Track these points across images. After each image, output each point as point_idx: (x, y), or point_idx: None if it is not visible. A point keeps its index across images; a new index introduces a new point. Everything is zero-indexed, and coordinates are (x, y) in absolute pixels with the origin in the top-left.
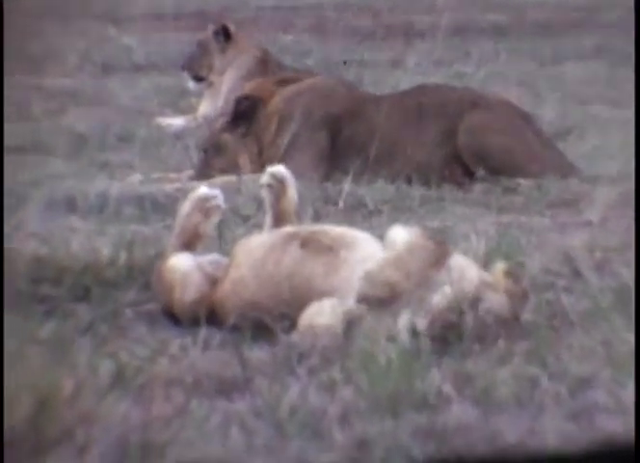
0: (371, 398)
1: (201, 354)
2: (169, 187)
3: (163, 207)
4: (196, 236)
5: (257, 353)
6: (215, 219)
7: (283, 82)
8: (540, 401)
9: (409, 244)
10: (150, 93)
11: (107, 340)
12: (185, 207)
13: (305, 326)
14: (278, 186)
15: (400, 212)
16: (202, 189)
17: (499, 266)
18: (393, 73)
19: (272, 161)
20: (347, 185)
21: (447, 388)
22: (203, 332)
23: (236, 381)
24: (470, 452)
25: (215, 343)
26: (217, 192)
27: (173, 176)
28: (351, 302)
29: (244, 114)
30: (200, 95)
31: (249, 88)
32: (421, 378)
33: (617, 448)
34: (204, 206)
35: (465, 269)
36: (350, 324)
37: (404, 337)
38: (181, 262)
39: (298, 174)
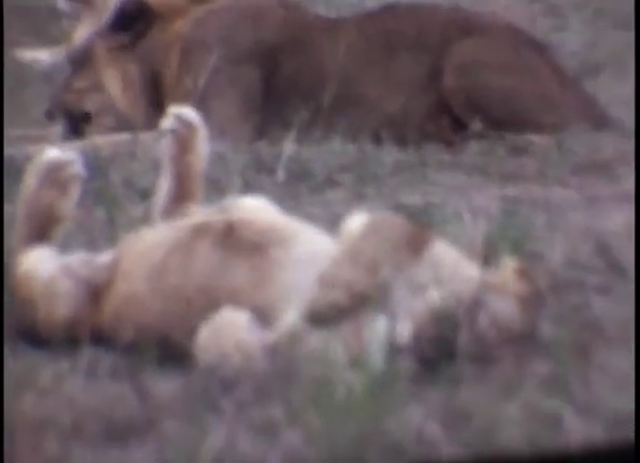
0: (325, 445)
1: (84, 385)
2: (34, 149)
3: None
4: (51, 221)
5: (164, 383)
6: (74, 193)
7: None
8: (563, 446)
9: (367, 227)
10: (6, 15)
11: (2, 371)
12: (30, 182)
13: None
14: (183, 134)
15: (364, 184)
16: (51, 153)
17: (506, 260)
18: None
19: None
20: (289, 146)
21: (432, 429)
22: (86, 355)
23: (134, 422)
24: None
25: (103, 370)
26: (71, 155)
27: (39, 132)
28: (292, 317)
29: (128, 21)
30: (75, 17)
31: (152, 2)
32: (396, 416)
33: None
34: (57, 177)
35: (457, 264)
36: (294, 343)
37: (376, 356)
38: (40, 265)
39: (217, 129)
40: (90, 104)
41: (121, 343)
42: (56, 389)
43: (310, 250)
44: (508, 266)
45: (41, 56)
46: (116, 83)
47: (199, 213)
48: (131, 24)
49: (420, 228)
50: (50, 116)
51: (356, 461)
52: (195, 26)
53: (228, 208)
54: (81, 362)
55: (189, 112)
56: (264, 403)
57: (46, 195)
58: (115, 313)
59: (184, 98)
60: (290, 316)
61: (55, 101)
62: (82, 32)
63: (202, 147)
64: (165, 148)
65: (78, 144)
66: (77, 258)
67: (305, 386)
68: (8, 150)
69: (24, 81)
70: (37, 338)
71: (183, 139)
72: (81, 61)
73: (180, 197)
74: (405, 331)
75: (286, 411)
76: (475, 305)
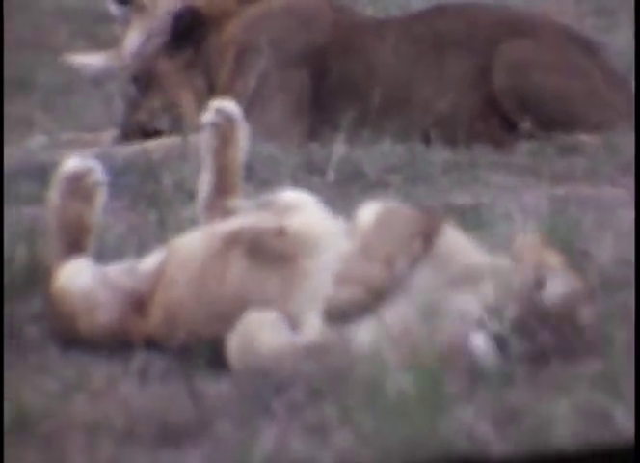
0: (377, 446)
1: (137, 388)
2: (84, 153)
3: None
4: (81, 231)
5: (216, 385)
6: (99, 201)
7: None
8: (613, 442)
9: (378, 220)
10: (56, 18)
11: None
12: (53, 195)
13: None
14: (225, 128)
15: (414, 184)
16: (70, 163)
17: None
18: None
19: None
20: (339, 147)
21: (484, 428)
22: (138, 358)
23: (188, 425)
24: None
25: (156, 374)
26: (90, 163)
27: (89, 136)
28: (315, 319)
29: (186, 33)
30: (126, 21)
31: (199, 2)
32: (446, 416)
33: None
34: (79, 188)
35: (469, 251)
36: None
37: (484, 350)
38: (77, 277)
39: (268, 131)
40: (162, 123)
41: (173, 346)
42: (109, 391)
43: (336, 254)
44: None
45: (91, 60)
46: (190, 102)
47: (241, 208)
48: (189, 35)
49: (430, 216)
50: (125, 137)
51: (407, 461)
52: (248, 29)
53: (271, 203)
54: (133, 365)
55: (230, 105)
56: (316, 405)
57: (72, 207)
58: (163, 319)
59: (235, 100)
60: (314, 319)
61: (128, 123)
62: (132, 36)
63: (243, 140)
64: (206, 142)
65: (130, 148)
66: (116, 268)
67: (356, 386)
68: (58, 154)
69: (73, 86)
70: (83, 344)
71: (224, 132)
72: (147, 80)
73: (222, 191)
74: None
75: (338, 412)
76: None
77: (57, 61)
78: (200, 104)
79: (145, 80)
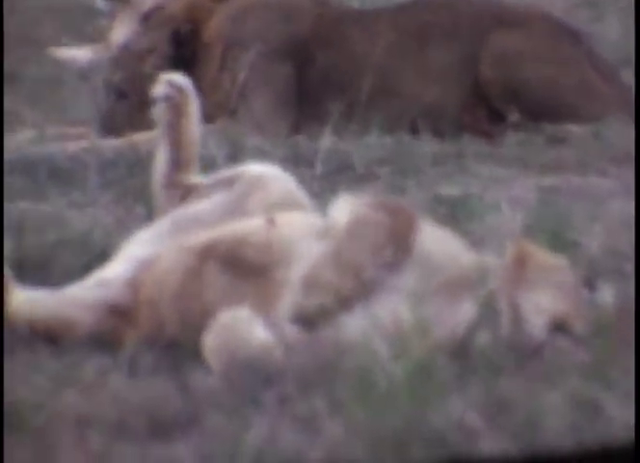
0: (367, 436)
1: (127, 381)
2: (72, 147)
3: (65, 175)
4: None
5: (206, 378)
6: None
7: None
8: (603, 432)
9: (349, 227)
10: (43, 13)
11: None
12: None
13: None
14: (177, 100)
15: (403, 176)
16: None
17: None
18: None
19: (215, 111)
20: (327, 139)
21: (473, 418)
22: (128, 350)
23: (178, 417)
24: None
25: (145, 367)
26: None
27: (77, 130)
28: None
29: (183, 48)
30: (112, 15)
31: (177, 7)
32: (437, 406)
33: None
34: None
35: (451, 250)
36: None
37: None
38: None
39: (255, 124)
40: (140, 120)
41: (162, 340)
42: (99, 385)
43: (310, 262)
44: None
45: (78, 55)
46: None
47: (202, 185)
48: (188, 51)
49: (404, 218)
50: (103, 132)
51: (399, 451)
52: (232, 24)
53: (235, 178)
54: (123, 358)
55: (180, 78)
56: (306, 396)
57: None
58: (149, 330)
59: (223, 96)
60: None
61: (104, 128)
62: (118, 30)
63: (196, 113)
64: (159, 116)
65: (118, 142)
66: (79, 286)
67: (346, 377)
68: (47, 149)
69: (61, 80)
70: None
71: (177, 105)
72: (126, 79)
73: (179, 166)
74: None
75: (328, 403)
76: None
77: (44, 55)
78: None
79: (124, 79)
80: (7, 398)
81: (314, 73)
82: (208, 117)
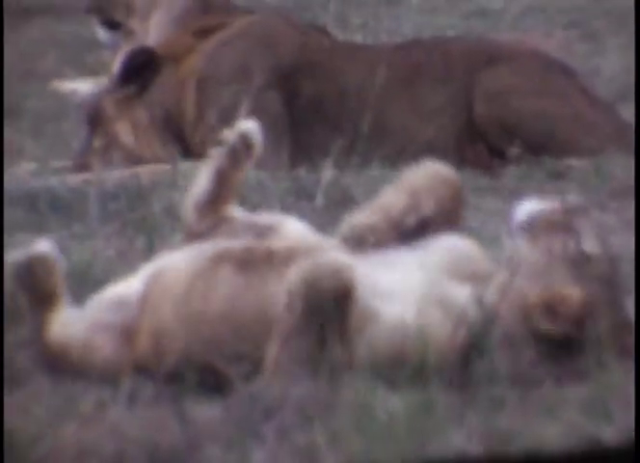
0: None
1: (126, 413)
2: (73, 179)
3: (66, 207)
4: (50, 300)
5: (206, 410)
6: (61, 275)
7: (207, 32)
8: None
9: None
10: (44, 46)
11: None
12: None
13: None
14: (239, 152)
15: None
16: (18, 256)
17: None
18: (390, 12)
19: (203, 146)
20: (327, 172)
21: (474, 450)
22: (127, 383)
23: (176, 449)
24: None
25: (145, 398)
26: (48, 247)
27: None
28: None
29: (135, 72)
30: (114, 48)
31: (159, 41)
32: (437, 439)
33: None
34: (37, 274)
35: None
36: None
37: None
38: (70, 329)
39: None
40: (114, 159)
41: (161, 372)
42: (98, 416)
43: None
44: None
45: (80, 87)
46: (128, 134)
47: (235, 218)
48: (138, 74)
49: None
50: (78, 169)
51: None
52: (209, 60)
53: (271, 229)
54: (122, 390)
55: (254, 128)
56: (305, 428)
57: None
58: (150, 345)
59: (208, 131)
60: None
61: (81, 166)
62: None
63: (252, 162)
64: (216, 156)
65: (120, 174)
66: (101, 305)
67: (344, 409)
68: (48, 181)
69: (63, 113)
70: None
71: (237, 156)
72: (94, 119)
73: (218, 198)
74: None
75: (327, 435)
76: None
77: (46, 88)
78: (149, 138)
79: (92, 120)
80: (7, 429)
81: (303, 103)
82: (194, 152)
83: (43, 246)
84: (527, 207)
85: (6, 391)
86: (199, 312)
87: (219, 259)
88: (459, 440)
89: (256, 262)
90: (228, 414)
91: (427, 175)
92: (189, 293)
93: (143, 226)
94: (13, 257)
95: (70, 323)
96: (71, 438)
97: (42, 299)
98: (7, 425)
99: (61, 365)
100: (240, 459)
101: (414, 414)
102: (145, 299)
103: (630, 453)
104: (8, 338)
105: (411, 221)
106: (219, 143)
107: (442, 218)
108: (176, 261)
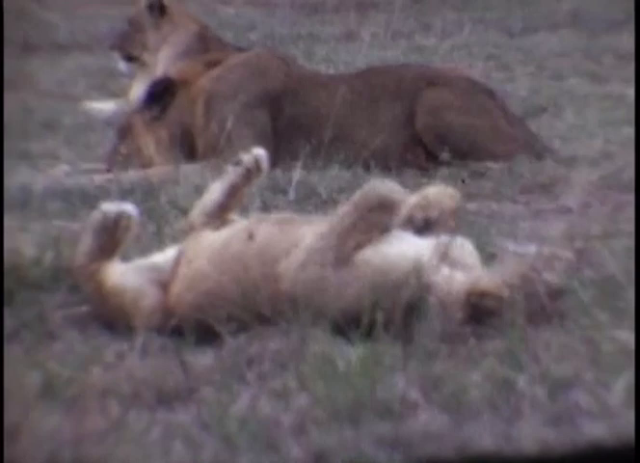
0: (329, 406)
1: (139, 361)
2: (99, 179)
3: (93, 201)
4: (114, 248)
5: (201, 359)
6: (133, 232)
7: (214, 63)
8: (516, 405)
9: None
10: (76, 75)
11: (34, 348)
12: (93, 224)
13: None
14: (252, 172)
15: None
16: (109, 208)
17: None
18: (348, 48)
19: (206, 151)
20: (297, 172)
21: (413, 393)
22: (141, 337)
23: (179, 390)
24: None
25: (154, 349)
26: (129, 208)
27: (103, 166)
28: None
29: (158, 97)
30: (132, 76)
31: (175, 70)
32: (384, 383)
33: (601, 453)
34: (117, 226)
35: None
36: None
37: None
38: (126, 279)
39: None
40: (134, 164)
41: (168, 328)
42: (117, 364)
43: None
44: None
45: (104, 107)
46: (151, 148)
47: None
48: (161, 97)
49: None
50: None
51: (353, 419)
52: (214, 82)
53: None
54: (137, 342)
55: (264, 154)
56: (280, 375)
57: (108, 235)
58: (176, 299)
59: (212, 138)
60: None
61: (109, 165)
62: (136, 87)
63: (259, 179)
64: (231, 173)
65: (134, 174)
66: (146, 264)
67: (311, 359)
68: (78, 179)
69: (90, 127)
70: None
71: (249, 176)
72: (123, 132)
73: (226, 207)
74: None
75: (297, 380)
76: None
77: (77, 107)
78: (167, 153)
79: (122, 131)
80: (45, 373)
81: (284, 120)
82: (200, 154)
83: (131, 208)
84: None
85: (45, 343)
86: (232, 254)
87: (257, 222)
88: (401, 384)
89: (292, 220)
90: (220, 362)
91: (438, 189)
92: (226, 244)
93: (152, 215)
94: (105, 206)
95: (126, 272)
96: (97, 381)
97: (111, 249)
98: (47, 370)
99: (114, 308)
100: (229, 398)
101: (367, 363)
102: (180, 255)
103: (630, 453)
104: (47, 300)
105: (419, 217)
106: (237, 163)
107: (442, 222)
108: (214, 233)
